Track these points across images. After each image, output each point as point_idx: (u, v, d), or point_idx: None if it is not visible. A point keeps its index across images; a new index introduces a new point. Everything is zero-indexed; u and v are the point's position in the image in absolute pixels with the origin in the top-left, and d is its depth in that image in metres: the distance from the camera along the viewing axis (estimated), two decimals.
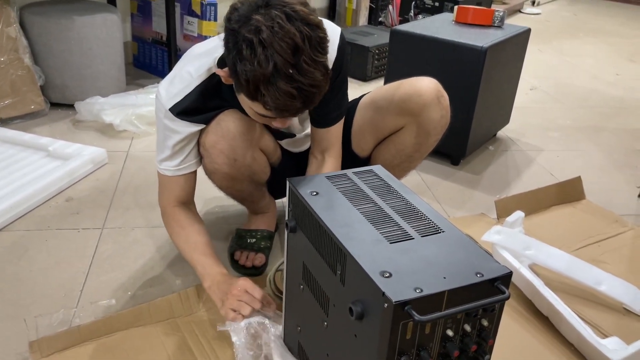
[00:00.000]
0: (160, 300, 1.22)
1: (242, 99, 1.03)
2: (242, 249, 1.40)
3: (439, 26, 2.00)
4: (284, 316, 1.02)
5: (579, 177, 1.78)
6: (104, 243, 1.46)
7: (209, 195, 1.68)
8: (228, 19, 0.94)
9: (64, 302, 1.25)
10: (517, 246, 1.35)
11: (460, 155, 2.01)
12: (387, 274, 0.67)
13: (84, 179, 1.76)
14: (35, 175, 1.69)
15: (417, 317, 0.63)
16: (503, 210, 1.62)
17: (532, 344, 1.19)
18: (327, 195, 0.85)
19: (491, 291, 0.69)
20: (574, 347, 1.17)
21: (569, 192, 1.76)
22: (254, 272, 1.36)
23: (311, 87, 0.92)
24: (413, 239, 0.75)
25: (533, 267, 1.37)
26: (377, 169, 0.94)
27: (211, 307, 1.22)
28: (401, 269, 0.69)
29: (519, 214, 1.47)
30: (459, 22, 2.07)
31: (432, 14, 3.20)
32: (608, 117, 2.63)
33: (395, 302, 0.63)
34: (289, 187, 0.89)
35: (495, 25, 2.03)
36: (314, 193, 0.84)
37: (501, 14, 2.03)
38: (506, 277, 0.70)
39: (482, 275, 0.69)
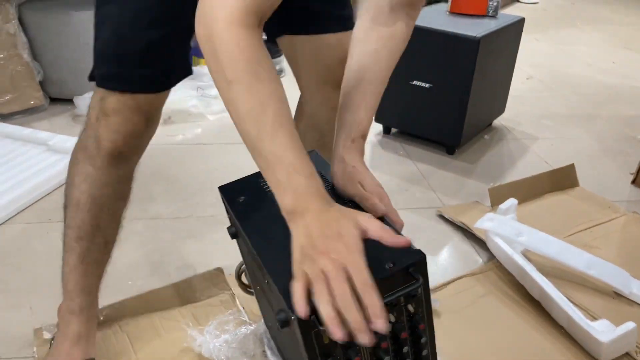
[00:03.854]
0: (160, 289, 1.25)
1: None
2: None
3: (433, 16, 2.02)
4: (262, 314, 1.04)
5: (573, 164, 1.80)
6: None
7: (194, 188, 1.71)
8: None
9: None
10: (509, 233, 1.37)
11: (455, 145, 2.03)
12: None
13: None
14: (35, 170, 1.72)
15: (321, 327, 0.59)
16: (496, 197, 1.64)
17: (523, 328, 1.21)
18: (253, 198, 0.82)
19: (408, 278, 0.67)
20: (565, 329, 1.20)
21: (563, 179, 1.78)
22: None
23: None
24: None
25: (525, 253, 1.40)
26: (313, 155, 0.89)
27: (210, 296, 1.25)
28: None
29: (512, 202, 1.50)
30: (453, 12, 2.08)
31: (430, 5, 3.20)
32: (602, 104, 2.64)
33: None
34: (220, 195, 0.86)
35: (490, 15, 2.05)
36: (241, 199, 0.82)
37: (495, 3, 2.04)
38: (420, 263, 0.67)
39: (394, 265, 0.66)
